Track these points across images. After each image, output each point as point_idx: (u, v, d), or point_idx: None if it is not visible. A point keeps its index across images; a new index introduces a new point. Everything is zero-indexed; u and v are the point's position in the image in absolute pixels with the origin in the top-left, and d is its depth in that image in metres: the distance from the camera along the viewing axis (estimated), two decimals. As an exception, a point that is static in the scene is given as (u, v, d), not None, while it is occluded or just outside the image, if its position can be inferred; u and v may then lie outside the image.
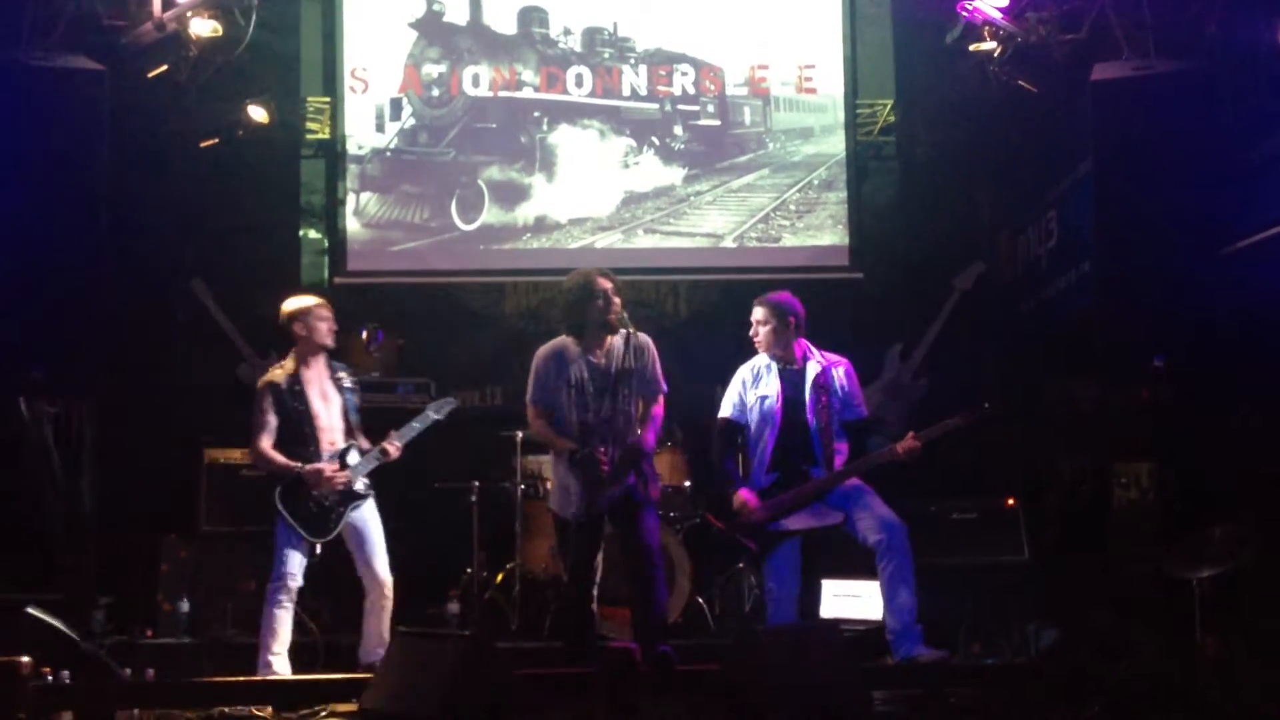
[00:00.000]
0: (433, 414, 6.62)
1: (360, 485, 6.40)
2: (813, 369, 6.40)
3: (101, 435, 7.70)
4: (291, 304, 6.54)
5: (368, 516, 6.43)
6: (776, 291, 6.54)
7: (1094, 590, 7.00)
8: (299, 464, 6.31)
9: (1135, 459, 7.24)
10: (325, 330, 6.47)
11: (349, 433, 6.50)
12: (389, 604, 6.41)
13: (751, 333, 6.47)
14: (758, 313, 6.45)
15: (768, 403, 6.39)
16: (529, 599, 7.58)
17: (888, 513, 6.23)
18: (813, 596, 7.40)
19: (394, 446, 6.43)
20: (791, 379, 6.41)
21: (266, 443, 6.35)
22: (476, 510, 7.79)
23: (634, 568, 5.99)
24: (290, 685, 6.01)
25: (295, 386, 6.39)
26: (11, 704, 5.10)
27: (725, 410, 6.52)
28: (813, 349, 6.50)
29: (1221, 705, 5.32)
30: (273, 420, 6.35)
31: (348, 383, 6.55)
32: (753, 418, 6.44)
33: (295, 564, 6.30)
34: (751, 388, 6.47)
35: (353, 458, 6.41)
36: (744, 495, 6.31)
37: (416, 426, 6.55)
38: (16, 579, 6.82)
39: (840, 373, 6.45)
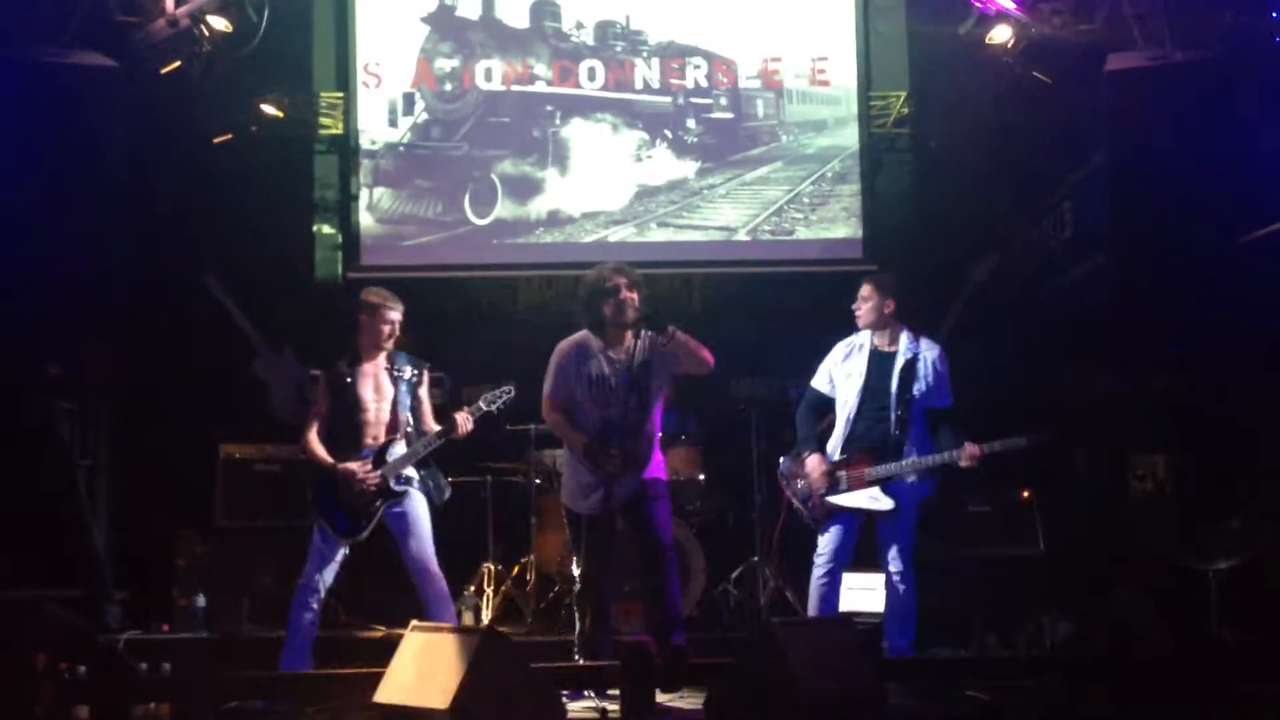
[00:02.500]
0: (483, 405, 6.35)
1: (396, 482, 6.21)
2: (903, 355, 6.36)
3: (117, 431, 7.73)
4: (366, 294, 6.44)
5: (408, 512, 6.22)
6: (884, 274, 6.55)
7: (1110, 582, 6.98)
8: (333, 461, 6.20)
9: (1151, 450, 7.21)
10: (386, 333, 6.33)
11: (394, 427, 6.29)
12: (443, 594, 6.20)
13: (855, 307, 6.44)
14: (863, 289, 6.44)
15: (850, 381, 6.40)
16: (543, 593, 7.59)
17: (903, 554, 6.28)
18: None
19: (461, 418, 6.22)
20: (879, 361, 6.38)
21: (313, 433, 6.28)
22: (491, 504, 7.81)
23: (648, 562, 5.99)
24: (305, 679, 6.02)
25: (349, 378, 6.29)
26: (28, 699, 5.12)
27: (817, 381, 6.54)
28: (910, 335, 6.43)
29: (1237, 696, 5.30)
30: (324, 410, 6.30)
31: (408, 374, 6.36)
32: (838, 393, 6.46)
33: (327, 568, 6.18)
34: (841, 364, 6.47)
35: (394, 452, 6.25)
36: (816, 462, 6.34)
37: (475, 413, 6.30)
38: (33, 575, 6.84)
39: (930, 359, 6.38)
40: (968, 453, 6.15)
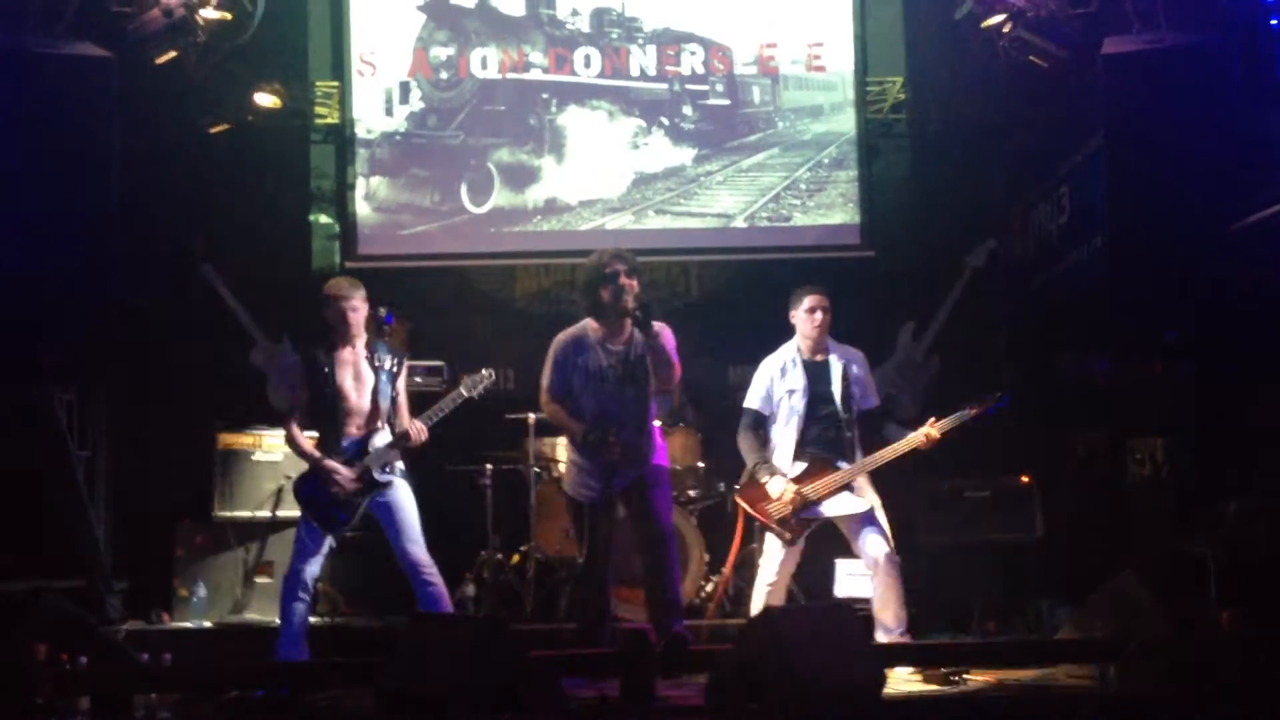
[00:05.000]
0: (464, 391, 6.35)
1: (379, 473, 6.22)
2: (837, 362, 6.58)
3: (115, 421, 7.73)
4: (326, 287, 6.43)
5: (393, 501, 6.24)
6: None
7: (1109, 567, 7.00)
8: (319, 455, 6.24)
9: (1149, 434, 7.21)
10: (353, 322, 6.32)
11: (375, 416, 6.28)
12: (434, 588, 6.18)
13: (822, 319, 6.56)
14: (821, 300, 6.59)
15: (794, 397, 6.55)
16: (543, 581, 7.60)
17: (887, 542, 6.39)
18: (826, 576, 7.42)
19: (415, 428, 6.23)
20: (815, 371, 6.58)
21: (294, 424, 6.33)
22: (490, 493, 7.81)
23: (648, 549, 6.00)
24: (304, 668, 6.03)
25: (327, 367, 6.28)
26: (29, 690, 5.12)
27: (753, 401, 6.64)
28: (834, 343, 6.67)
29: (1237, 680, 5.30)
30: (303, 398, 6.32)
31: (387, 364, 6.33)
32: (780, 410, 6.58)
33: (310, 557, 6.20)
34: (780, 380, 6.59)
35: (376, 442, 6.26)
36: (783, 485, 6.41)
37: (445, 407, 6.33)
38: (33, 565, 6.85)
39: (856, 365, 6.65)
40: (926, 433, 6.36)
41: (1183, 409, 7.04)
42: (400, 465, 6.31)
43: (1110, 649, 5.71)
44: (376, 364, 6.32)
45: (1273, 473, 6.40)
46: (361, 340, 6.37)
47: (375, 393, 6.30)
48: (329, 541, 6.27)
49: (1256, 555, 6.13)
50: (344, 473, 6.19)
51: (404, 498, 6.28)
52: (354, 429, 6.29)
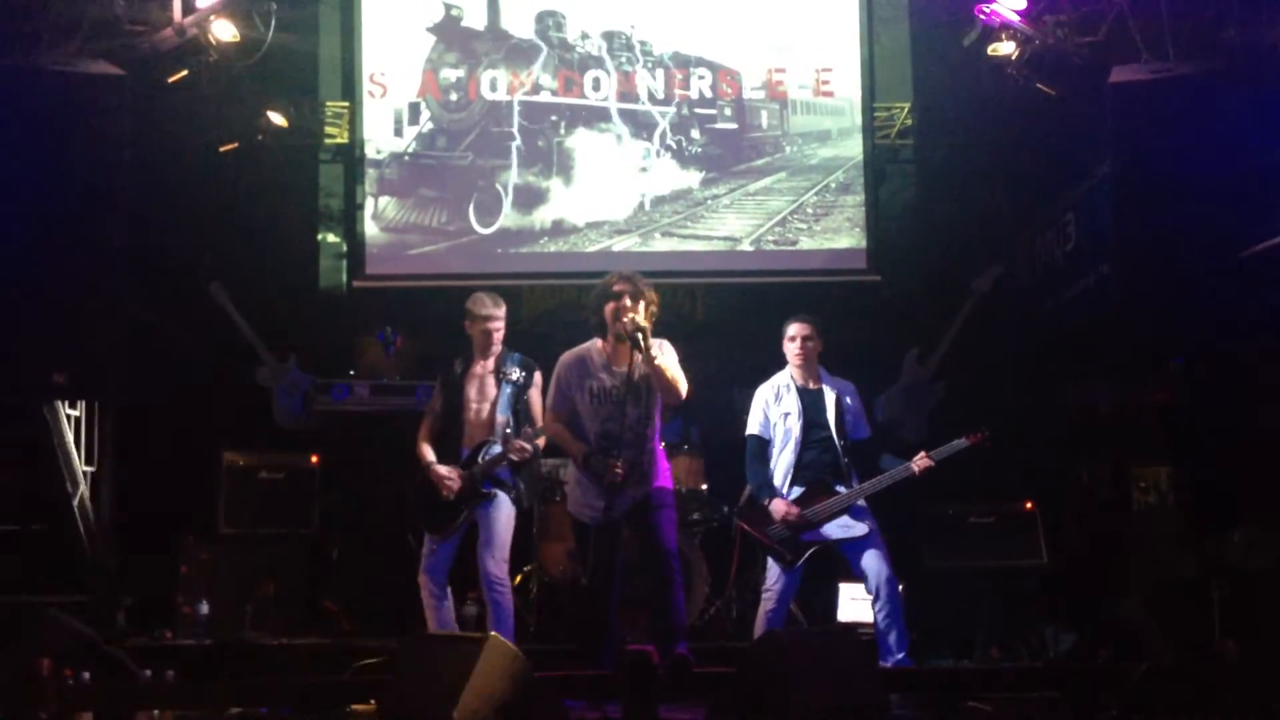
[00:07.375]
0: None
1: (484, 485, 6.44)
2: (830, 391, 6.69)
3: (122, 438, 7.74)
4: (469, 302, 6.65)
5: (490, 513, 6.44)
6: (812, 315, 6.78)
7: (1113, 594, 6.99)
8: (431, 461, 6.50)
9: (1154, 462, 7.22)
10: (487, 339, 6.56)
11: (490, 428, 6.51)
12: (498, 598, 6.39)
13: (801, 347, 6.66)
14: (806, 329, 6.69)
15: (789, 420, 6.64)
16: (546, 602, 7.59)
17: (887, 565, 6.44)
18: (829, 600, 7.42)
19: (514, 445, 6.41)
20: (809, 398, 6.68)
21: (423, 430, 6.62)
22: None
23: (652, 571, 6.00)
24: (309, 687, 6.03)
25: (459, 379, 6.57)
26: (33, 705, 5.13)
27: (753, 428, 6.74)
28: (826, 373, 6.77)
29: (1240, 708, 5.30)
30: (437, 408, 6.63)
31: (514, 376, 6.56)
32: (776, 434, 6.67)
33: (433, 560, 6.47)
34: (774, 404, 6.69)
35: (488, 454, 6.48)
36: (784, 506, 6.49)
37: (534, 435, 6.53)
38: (38, 581, 6.86)
39: (849, 396, 6.76)
40: (919, 462, 6.50)
41: (1187, 437, 7.04)
42: (508, 479, 6.51)
43: (1114, 676, 5.71)
44: (502, 376, 6.56)
45: (1277, 501, 6.40)
46: (496, 354, 6.59)
47: (494, 406, 6.54)
48: (442, 544, 6.47)
49: (1260, 584, 6.14)
50: (449, 480, 6.42)
51: (500, 512, 6.47)
52: (467, 441, 6.52)
